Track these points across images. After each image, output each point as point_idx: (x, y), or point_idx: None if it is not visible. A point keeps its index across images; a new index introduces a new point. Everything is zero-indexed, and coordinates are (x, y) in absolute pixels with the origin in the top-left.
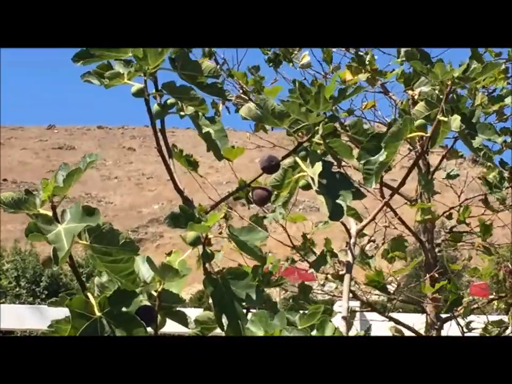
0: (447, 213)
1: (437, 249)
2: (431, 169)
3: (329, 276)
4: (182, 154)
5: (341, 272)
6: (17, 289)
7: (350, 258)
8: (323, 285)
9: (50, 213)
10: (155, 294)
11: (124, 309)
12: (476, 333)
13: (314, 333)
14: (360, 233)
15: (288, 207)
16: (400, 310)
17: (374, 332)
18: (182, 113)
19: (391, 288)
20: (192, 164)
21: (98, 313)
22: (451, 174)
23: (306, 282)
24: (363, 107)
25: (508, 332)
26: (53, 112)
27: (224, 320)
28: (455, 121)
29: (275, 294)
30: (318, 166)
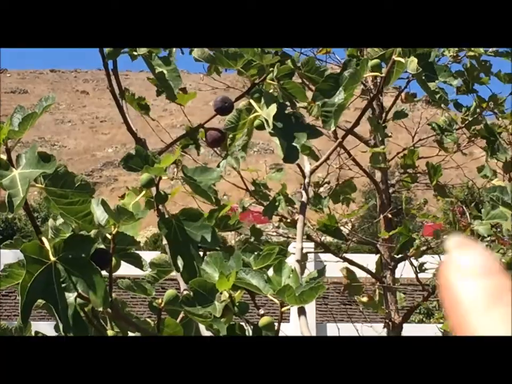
0: (401, 154)
1: (391, 190)
2: (385, 111)
3: (282, 223)
4: (134, 98)
5: (295, 217)
6: None
7: (304, 198)
8: (278, 227)
9: (4, 157)
10: (109, 237)
11: (79, 254)
12: (429, 273)
13: (270, 273)
14: (314, 176)
15: (247, 150)
16: (352, 251)
17: (328, 273)
18: (135, 53)
19: (345, 230)
20: (143, 107)
21: (53, 258)
22: (400, 113)
23: (260, 225)
24: (318, 52)
25: None
26: (5, 56)
27: (180, 261)
28: (412, 63)
29: (230, 237)
30: (273, 108)
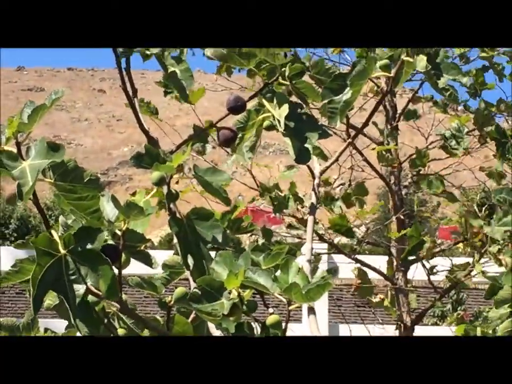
0: (413, 156)
1: (404, 191)
2: (398, 113)
3: (292, 221)
4: (143, 102)
5: (305, 217)
6: None
7: (313, 200)
8: (289, 226)
9: (15, 150)
10: (119, 233)
11: (88, 246)
12: (441, 276)
13: (278, 273)
14: (326, 178)
15: (256, 151)
16: (368, 252)
17: (342, 274)
18: (147, 52)
19: (359, 232)
20: (152, 110)
21: (63, 251)
22: (410, 112)
23: (275, 226)
24: (332, 52)
25: (473, 274)
26: (22, 54)
27: (190, 260)
28: (421, 61)
29: (246, 239)
30: (285, 108)
